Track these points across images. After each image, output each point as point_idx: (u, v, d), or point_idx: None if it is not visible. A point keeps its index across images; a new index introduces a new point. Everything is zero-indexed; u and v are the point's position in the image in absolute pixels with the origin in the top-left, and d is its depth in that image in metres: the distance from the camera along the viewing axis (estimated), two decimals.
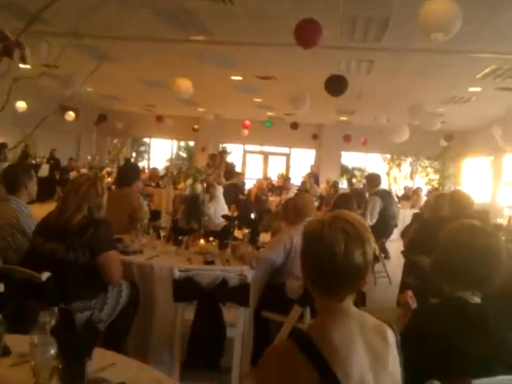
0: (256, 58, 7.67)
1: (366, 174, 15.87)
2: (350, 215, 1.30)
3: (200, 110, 13.60)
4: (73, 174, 10.77)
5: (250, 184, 11.42)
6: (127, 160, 12.03)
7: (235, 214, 5.86)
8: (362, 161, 16.28)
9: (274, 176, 13.53)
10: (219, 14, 5.50)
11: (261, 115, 13.92)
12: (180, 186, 10.55)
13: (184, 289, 2.85)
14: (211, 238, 3.58)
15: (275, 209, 8.75)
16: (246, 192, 10.23)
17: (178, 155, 16.93)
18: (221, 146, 15.30)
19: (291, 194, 9.73)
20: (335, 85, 5.58)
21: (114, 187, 4.73)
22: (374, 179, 6.29)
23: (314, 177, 11.70)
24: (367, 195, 6.47)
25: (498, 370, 1.56)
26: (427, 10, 3.49)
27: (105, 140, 15.95)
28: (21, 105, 10.26)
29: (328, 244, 1.23)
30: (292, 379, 1.17)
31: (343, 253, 1.22)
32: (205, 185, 3.81)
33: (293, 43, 6.52)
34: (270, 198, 9.89)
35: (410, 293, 2.08)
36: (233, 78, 9.21)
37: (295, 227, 3.38)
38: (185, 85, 7.23)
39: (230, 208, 6.38)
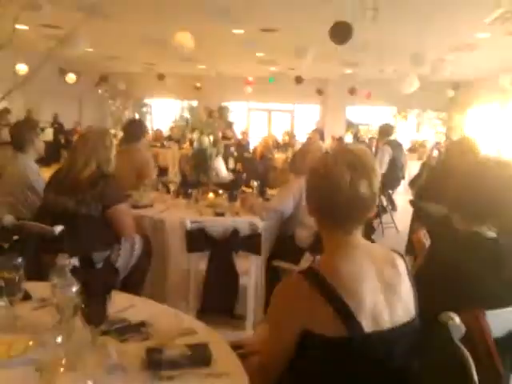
0: (258, 9, 7.42)
1: (372, 128, 15.78)
2: (354, 147, 1.30)
3: (201, 67, 13.32)
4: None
5: (254, 142, 11.33)
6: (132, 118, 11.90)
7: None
8: (368, 116, 16.06)
9: (278, 133, 13.39)
10: None
11: (264, 71, 13.62)
12: (185, 146, 10.54)
13: (196, 239, 2.87)
14: (220, 192, 3.58)
15: (281, 165, 8.73)
16: (251, 150, 10.16)
17: (181, 116, 16.71)
18: (223, 104, 15.07)
19: None
20: (340, 32, 5.40)
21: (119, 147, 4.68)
22: (386, 129, 6.38)
23: (319, 133, 11.53)
24: (373, 149, 6.44)
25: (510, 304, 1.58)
26: None
27: (106, 102, 15.74)
28: (21, 68, 10.05)
29: (334, 177, 1.23)
30: (307, 312, 1.18)
31: (349, 185, 1.21)
32: (211, 138, 3.77)
33: None
34: (276, 156, 9.81)
35: (423, 230, 2.08)
36: (234, 31, 8.95)
37: (304, 177, 3.36)
38: (185, 38, 7.04)
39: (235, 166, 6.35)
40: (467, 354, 1.39)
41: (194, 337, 1.40)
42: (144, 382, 1.16)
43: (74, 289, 1.22)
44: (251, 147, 10.85)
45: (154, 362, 1.21)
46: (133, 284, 2.93)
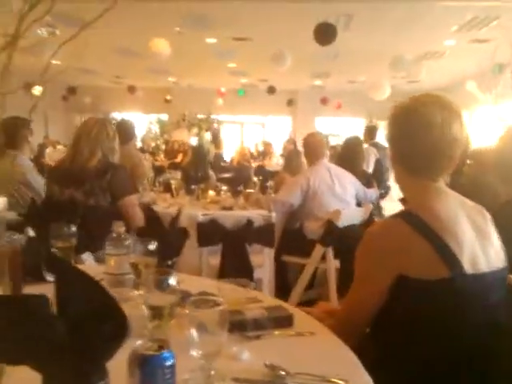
0: (232, 16, 7.44)
1: (342, 139, 16.06)
2: (438, 93, 1.28)
3: (171, 79, 13.22)
4: (49, 151, 10.35)
5: (228, 154, 11.27)
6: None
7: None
8: (337, 127, 16.35)
9: (251, 145, 13.42)
10: None
11: (234, 83, 13.64)
12: (159, 158, 10.36)
13: (209, 232, 2.78)
14: (224, 188, 3.50)
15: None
16: (226, 161, 10.10)
17: (149, 129, 16.42)
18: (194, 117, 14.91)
19: (274, 160, 9.72)
20: (324, 33, 5.47)
21: None
22: (370, 131, 6.53)
23: (293, 143, 11.66)
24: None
25: None
26: None
27: (73, 117, 15.31)
28: None
29: (424, 117, 1.21)
30: (405, 255, 1.14)
31: (440, 124, 1.19)
32: (210, 135, 3.69)
33: None
34: (253, 164, 9.79)
35: None
36: (207, 40, 8.93)
37: (310, 169, 3.34)
38: (161, 45, 6.97)
39: None
40: None
41: (262, 304, 1.32)
42: (233, 343, 1.06)
43: (151, 247, 1.12)
44: (226, 159, 10.80)
45: (238, 323, 1.12)
46: None
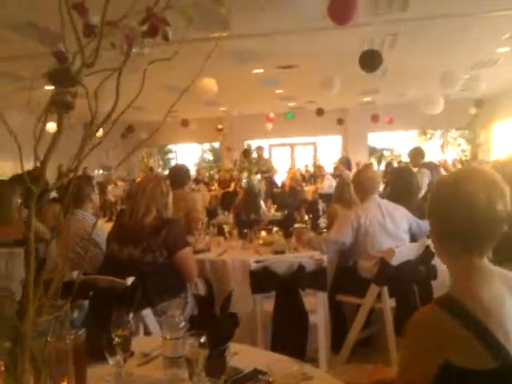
0: (277, 47, 7.59)
1: (396, 153, 15.77)
2: (482, 167, 1.26)
3: (222, 109, 13.59)
4: (110, 188, 10.89)
5: (279, 177, 11.33)
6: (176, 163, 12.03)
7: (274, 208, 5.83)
8: (390, 141, 16.05)
9: (302, 167, 13.43)
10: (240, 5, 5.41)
11: (282, 107, 13.81)
12: (214, 187, 10.63)
13: (262, 279, 2.82)
14: (275, 229, 3.54)
15: (311, 195, 8.67)
16: (278, 185, 10.15)
17: (203, 158, 16.96)
18: (246, 143, 15.20)
19: (327, 182, 9.64)
20: (369, 60, 5.45)
21: None
22: (418, 152, 6.29)
23: (346, 162, 11.50)
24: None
25: None
26: None
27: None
28: (52, 126, 10.37)
29: (468, 196, 1.18)
30: (449, 343, 1.11)
31: (484, 204, 1.16)
32: (259, 176, 3.78)
33: (314, 28, 6.42)
34: (305, 188, 9.77)
35: None
36: (254, 71, 9.15)
37: (361, 205, 3.31)
38: (209, 84, 7.23)
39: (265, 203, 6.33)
40: None
41: (313, 382, 1.34)
42: None
43: (202, 340, 1.18)
44: (278, 182, 10.87)
45: None
46: None
